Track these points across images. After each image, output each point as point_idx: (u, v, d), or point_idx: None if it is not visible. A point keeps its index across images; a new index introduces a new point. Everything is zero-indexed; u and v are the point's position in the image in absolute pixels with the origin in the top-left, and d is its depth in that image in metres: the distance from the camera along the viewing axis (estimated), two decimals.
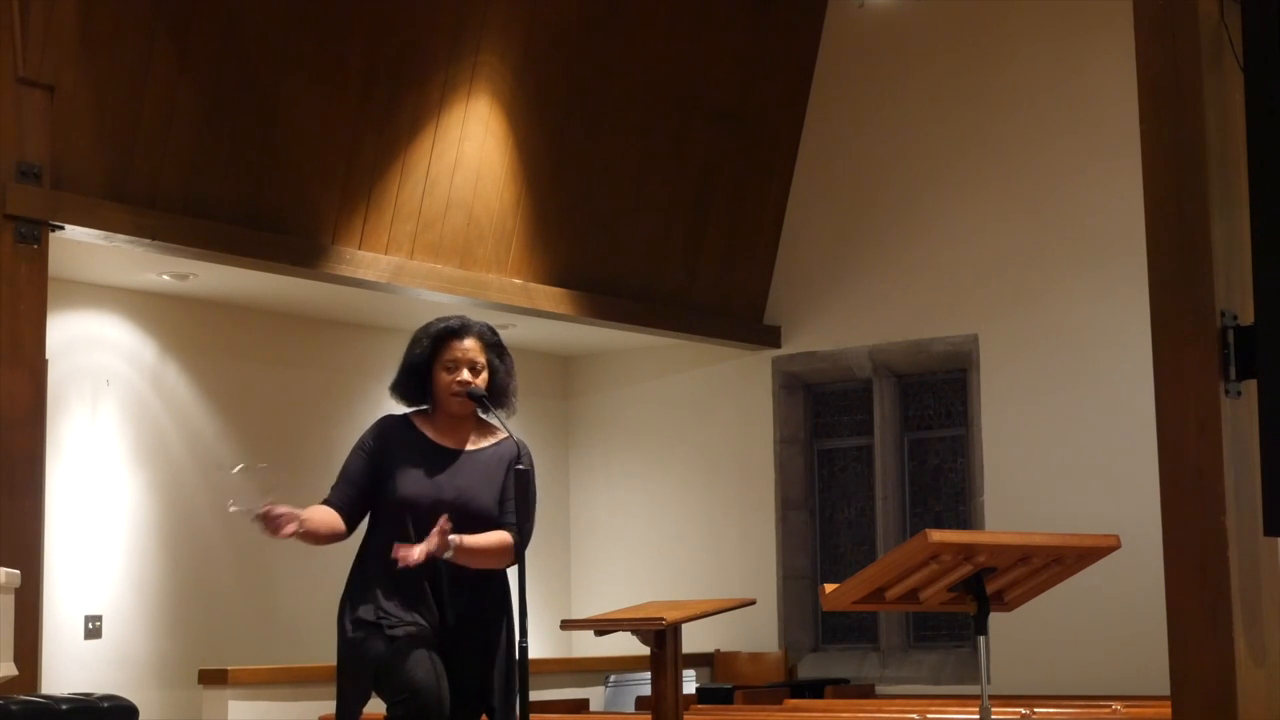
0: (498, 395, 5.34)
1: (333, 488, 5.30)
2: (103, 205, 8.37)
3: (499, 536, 5.21)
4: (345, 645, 5.19)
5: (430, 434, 5.32)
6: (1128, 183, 7.73)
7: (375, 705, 5.21)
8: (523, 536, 5.23)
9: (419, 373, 5.31)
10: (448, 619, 5.16)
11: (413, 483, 5.22)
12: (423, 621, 5.12)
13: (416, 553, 5.02)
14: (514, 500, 5.24)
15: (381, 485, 5.25)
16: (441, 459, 5.27)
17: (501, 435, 5.38)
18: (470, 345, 5.31)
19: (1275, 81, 4.86)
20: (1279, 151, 4.84)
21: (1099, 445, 10.86)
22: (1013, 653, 10.70)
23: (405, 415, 5.37)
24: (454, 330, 5.33)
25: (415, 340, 5.36)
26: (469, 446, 5.33)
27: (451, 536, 5.06)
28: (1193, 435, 4.85)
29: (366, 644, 5.11)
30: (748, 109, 11.78)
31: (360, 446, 5.32)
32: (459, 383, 5.27)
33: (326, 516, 5.21)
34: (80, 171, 8.31)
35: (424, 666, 5.05)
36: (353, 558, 5.33)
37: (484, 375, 5.31)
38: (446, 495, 5.21)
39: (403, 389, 5.37)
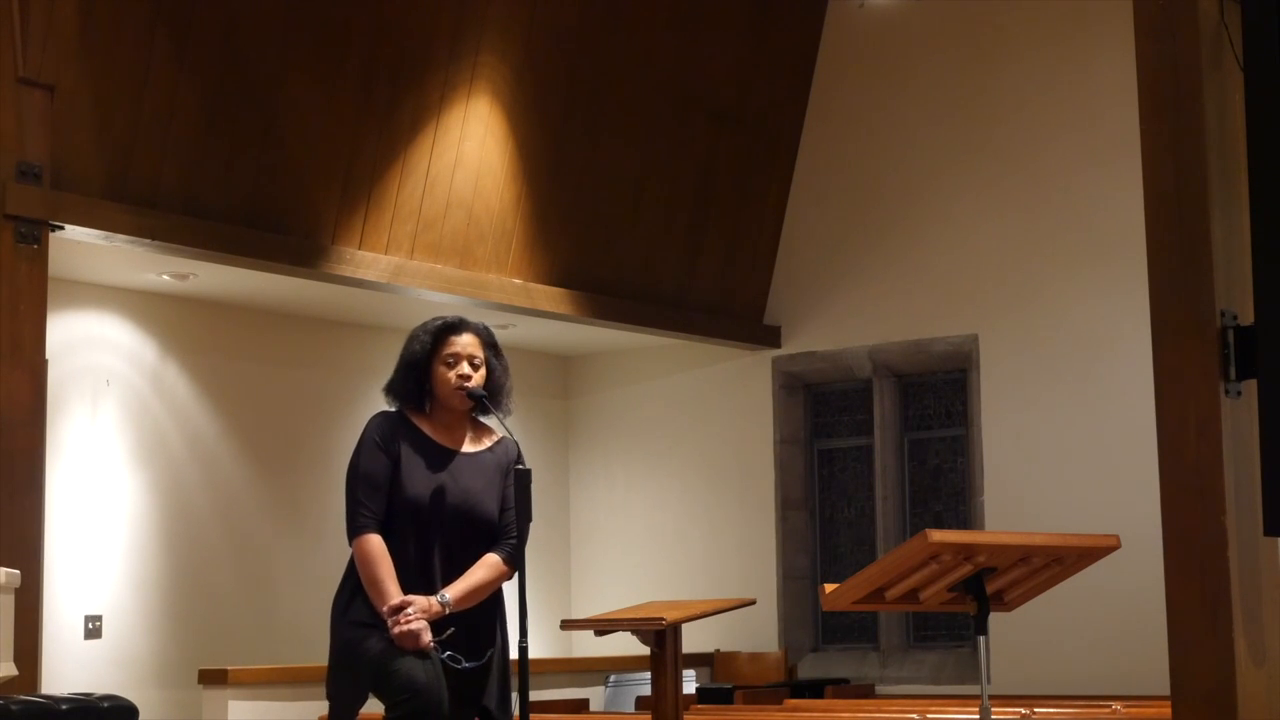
0: (494, 395, 5.35)
1: (359, 503, 5.20)
2: (103, 205, 8.37)
3: (490, 564, 5.21)
4: (341, 645, 5.17)
5: (429, 433, 5.31)
6: (1128, 183, 7.73)
7: (369, 706, 5.21)
8: (522, 538, 5.24)
9: (418, 369, 5.31)
10: (443, 619, 5.16)
11: (418, 482, 5.21)
12: None
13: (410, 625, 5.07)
14: (515, 503, 5.24)
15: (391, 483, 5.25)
16: (442, 458, 5.27)
17: (497, 438, 5.38)
18: (469, 340, 5.32)
19: (1275, 81, 4.85)
20: (1279, 151, 4.84)
21: (1099, 445, 10.86)
22: (1013, 653, 10.71)
23: (400, 412, 5.35)
24: (453, 326, 5.34)
25: (413, 337, 5.35)
26: (467, 447, 5.33)
27: (444, 596, 5.10)
28: (1193, 435, 4.84)
29: (364, 644, 5.09)
30: (748, 109, 11.79)
31: (371, 447, 5.24)
32: (460, 376, 5.27)
33: (389, 558, 5.16)
34: (80, 171, 8.31)
35: (424, 668, 5.03)
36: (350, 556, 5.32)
37: (482, 371, 5.32)
38: (451, 496, 5.20)
39: (400, 387, 5.34)
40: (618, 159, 11.05)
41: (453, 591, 5.13)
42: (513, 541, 5.25)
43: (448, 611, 5.10)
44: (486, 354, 5.35)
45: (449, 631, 5.10)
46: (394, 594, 5.08)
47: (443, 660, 5.08)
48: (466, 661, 5.15)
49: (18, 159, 8.01)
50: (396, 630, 5.03)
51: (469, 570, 5.19)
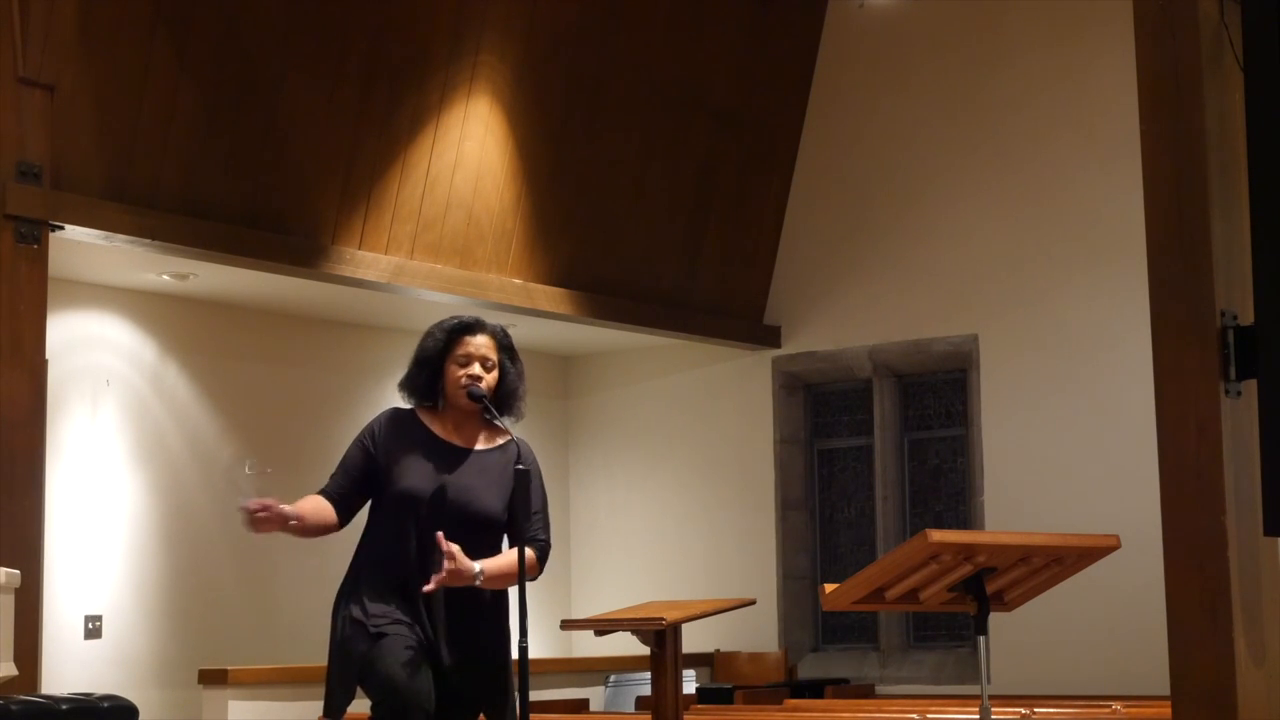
0: (506, 397, 5.35)
1: (331, 476, 5.30)
2: (103, 205, 8.37)
3: (524, 555, 5.21)
4: (334, 644, 5.20)
5: (437, 430, 5.31)
6: (1128, 183, 7.73)
7: (358, 705, 5.22)
8: (540, 545, 5.25)
9: (430, 366, 5.32)
10: (439, 620, 5.15)
11: (415, 477, 5.21)
12: (410, 621, 5.11)
13: (434, 582, 5.05)
14: (515, 503, 5.24)
15: (383, 478, 5.25)
16: (447, 456, 5.27)
17: (509, 439, 5.38)
18: (483, 342, 5.33)
19: (1275, 81, 4.85)
20: (1279, 151, 4.84)
21: (1099, 445, 10.86)
22: (1013, 653, 10.70)
23: (412, 410, 5.37)
24: (468, 326, 5.35)
25: (429, 334, 5.37)
26: (477, 446, 5.33)
27: (476, 565, 5.09)
28: (1193, 435, 4.84)
29: (352, 643, 5.10)
30: (748, 109, 11.79)
31: (362, 438, 5.32)
32: (470, 377, 5.27)
33: (317, 506, 5.21)
34: (80, 171, 8.31)
35: (406, 666, 5.03)
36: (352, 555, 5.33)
37: (494, 373, 5.32)
38: (449, 492, 5.20)
39: (412, 383, 5.36)
40: (618, 159, 11.06)
41: (488, 565, 5.13)
42: (540, 541, 5.27)
43: (478, 582, 5.09)
44: (500, 357, 5.35)
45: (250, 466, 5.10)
46: (286, 512, 5.09)
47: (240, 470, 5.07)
48: (464, 656, 5.15)
49: (18, 159, 8.01)
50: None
51: (506, 552, 5.21)
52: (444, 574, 5.03)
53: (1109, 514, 9.40)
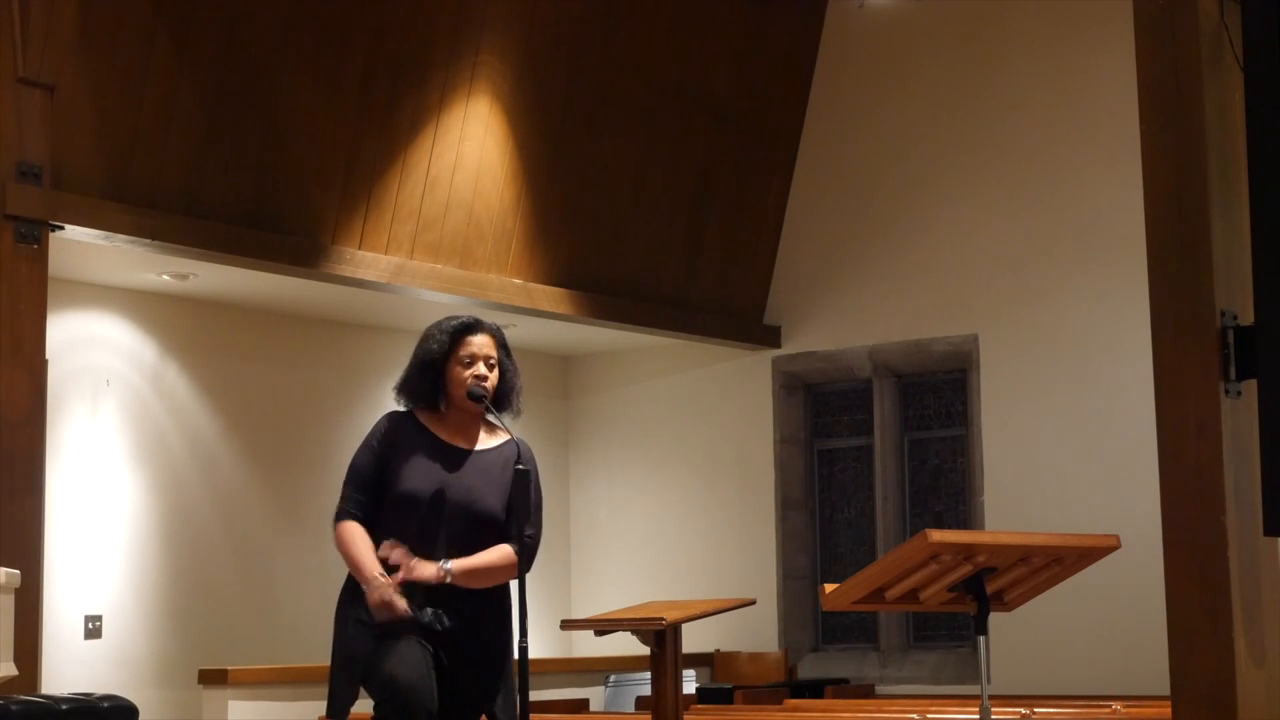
0: (506, 394, 5.37)
1: (347, 495, 5.28)
2: (103, 205, 8.37)
3: (502, 552, 5.22)
4: (338, 644, 5.21)
5: (439, 432, 5.32)
6: (1128, 183, 7.73)
7: (361, 705, 5.22)
8: (526, 541, 5.25)
9: (434, 368, 5.32)
10: (442, 620, 5.16)
11: (418, 478, 5.22)
12: (413, 621, 5.12)
13: (403, 574, 5.07)
14: (513, 502, 5.24)
15: (386, 480, 5.26)
16: (449, 457, 5.28)
17: (507, 437, 5.39)
18: (484, 341, 5.35)
19: (1275, 81, 4.85)
20: (1279, 151, 4.84)
21: (1099, 445, 10.86)
22: (1013, 653, 10.70)
23: (410, 412, 5.38)
24: (469, 326, 5.36)
25: (429, 337, 5.37)
26: (477, 446, 5.34)
27: (446, 564, 5.11)
28: (1193, 435, 4.84)
29: (356, 643, 5.12)
30: (748, 109, 11.79)
31: (368, 444, 5.32)
32: (476, 376, 5.28)
33: (366, 538, 5.22)
34: (80, 171, 8.31)
35: (409, 666, 5.04)
36: None
37: (496, 372, 5.34)
38: (451, 493, 5.22)
39: (414, 386, 5.36)
40: (618, 158, 11.06)
41: (457, 563, 5.14)
42: (527, 538, 5.26)
43: (448, 580, 5.11)
44: (500, 354, 5.37)
45: (425, 612, 5.10)
46: (369, 565, 5.10)
47: (427, 623, 5.07)
48: (467, 656, 5.16)
49: (18, 159, 8.01)
50: (370, 601, 5.05)
51: (480, 552, 5.21)
52: (400, 575, 5.06)
53: (1109, 514, 9.40)
